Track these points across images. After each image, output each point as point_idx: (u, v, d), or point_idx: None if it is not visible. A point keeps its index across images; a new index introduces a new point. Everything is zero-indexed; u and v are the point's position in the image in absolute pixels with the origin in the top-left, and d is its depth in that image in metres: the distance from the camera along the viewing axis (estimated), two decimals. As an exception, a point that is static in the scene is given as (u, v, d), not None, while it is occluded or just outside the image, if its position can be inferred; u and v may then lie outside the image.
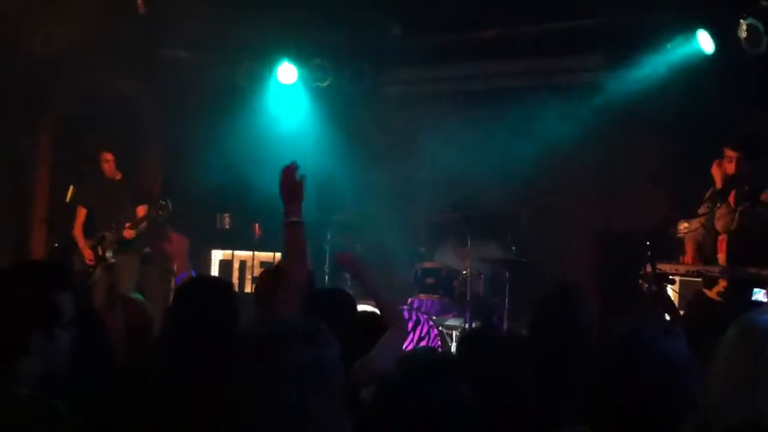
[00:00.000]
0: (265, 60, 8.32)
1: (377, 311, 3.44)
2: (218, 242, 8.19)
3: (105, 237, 7.37)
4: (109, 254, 7.32)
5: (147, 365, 3.05)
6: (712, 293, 5.20)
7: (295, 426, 1.97)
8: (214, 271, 8.05)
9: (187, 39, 7.92)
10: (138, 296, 4.04)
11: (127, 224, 7.34)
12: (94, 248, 7.34)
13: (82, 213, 7.56)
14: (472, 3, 7.41)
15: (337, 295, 3.59)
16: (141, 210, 7.48)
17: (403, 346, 3.51)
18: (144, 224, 7.43)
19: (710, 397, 2.03)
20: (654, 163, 7.43)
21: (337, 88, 8.41)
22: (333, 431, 2.02)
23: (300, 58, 8.32)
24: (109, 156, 7.59)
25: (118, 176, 7.64)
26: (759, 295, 4.92)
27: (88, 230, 7.57)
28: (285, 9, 7.40)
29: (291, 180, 3.21)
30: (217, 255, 8.18)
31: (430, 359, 2.33)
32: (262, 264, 8.04)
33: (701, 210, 5.30)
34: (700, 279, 5.31)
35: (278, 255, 7.85)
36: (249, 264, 8.09)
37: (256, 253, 8.05)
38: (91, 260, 7.35)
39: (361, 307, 6.76)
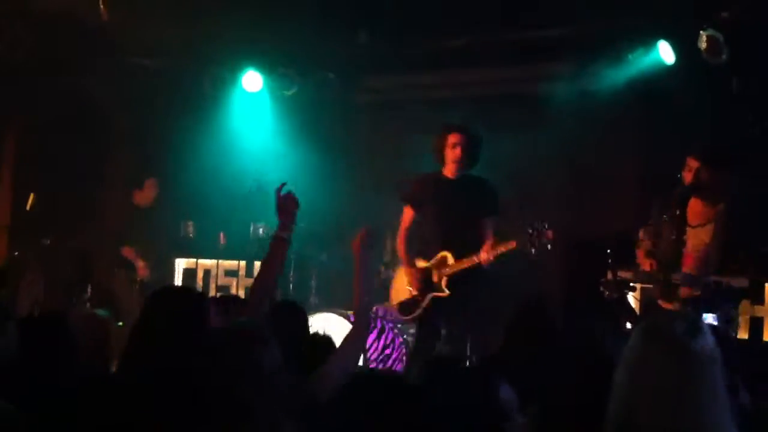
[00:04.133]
0: (230, 68, 8.28)
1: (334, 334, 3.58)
2: (182, 250, 8.12)
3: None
4: None
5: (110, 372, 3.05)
6: (670, 305, 5.20)
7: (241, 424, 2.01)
8: (178, 280, 7.97)
9: (151, 46, 7.86)
10: (102, 312, 4.03)
11: None
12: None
13: None
14: (438, 12, 7.44)
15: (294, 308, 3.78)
16: None
17: (362, 354, 3.56)
18: None
19: (631, 411, 2.09)
20: (619, 170, 7.50)
21: (303, 96, 8.39)
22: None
23: (265, 66, 8.29)
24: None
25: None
26: (708, 319, 4.91)
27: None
28: (250, 17, 7.37)
29: (289, 202, 3.47)
30: (181, 263, 8.10)
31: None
32: (227, 273, 7.98)
33: (651, 221, 5.35)
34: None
35: (242, 263, 7.81)
36: (213, 273, 8.02)
37: (220, 261, 7.99)
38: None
39: (327, 315, 6.87)
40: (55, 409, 2.61)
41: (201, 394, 2.34)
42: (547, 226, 5.06)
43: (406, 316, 5.73)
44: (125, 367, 2.95)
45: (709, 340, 2.13)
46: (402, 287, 5.73)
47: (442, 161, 5.58)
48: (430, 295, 5.51)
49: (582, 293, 6.02)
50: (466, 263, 5.31)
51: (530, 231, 5.13)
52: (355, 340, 3.29)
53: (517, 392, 2.58)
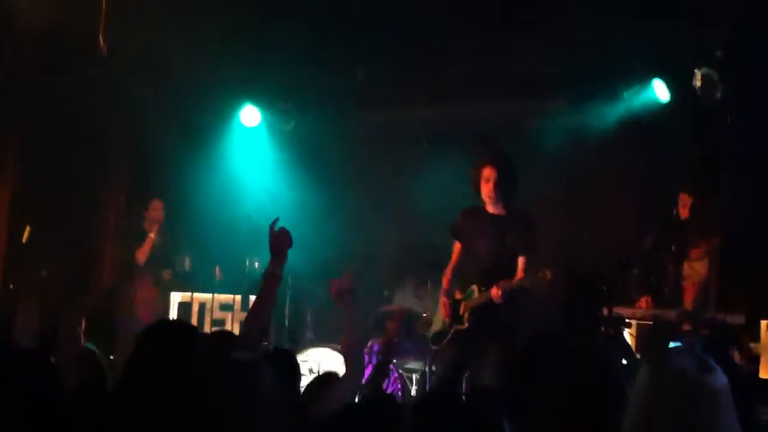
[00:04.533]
0: (229, 102, 8.33)
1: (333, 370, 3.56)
2: (177, 284, 8.08)
3: None
4: None
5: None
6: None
7: None
8: (173, 314, 7.92)
9: (151, 78, 7.91)
10: (90, 346, 4.01)
11: None
12: None
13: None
14: (436, 48, 7.52)
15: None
16: None
17: (357, 390, 3.54)
18: None
19: None
20: (614, 205, 7.53)
21: (302, 131, 8.43)
22: None
23: (264, 101, 8.34)
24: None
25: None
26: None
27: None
28: (248, 51, 7.44)
29: (282, 238, 3.46)
30: (176, 297, 8.07)
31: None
32: (222, 307, 7.95)
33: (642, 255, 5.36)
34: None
35: (237, 297, 7.78)
36: (208, 306, 7.98)
37: (216, 295, 7.95)
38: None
39: (322, 350, 6.85)
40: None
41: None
42: (546, 270, 5.04)
43: (435, 345, 5.74)
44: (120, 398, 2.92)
45: (720, 374, 2.08)
46: (439, 318, 5.75)
47: (479, 193, 5.55)
48: (454, 328, 5.52)
49: (578, 328, 6.01)
50: (483, 297, 5.32)
51: (530, 274, 5.12)
52: (348, 380, 3.31)
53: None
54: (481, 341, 5.31)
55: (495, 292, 5.20)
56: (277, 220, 3.51)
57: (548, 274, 5.00)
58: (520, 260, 5.28)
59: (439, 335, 5.65)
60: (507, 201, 5.50)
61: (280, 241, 3.45)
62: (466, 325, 5.43)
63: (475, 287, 5.43)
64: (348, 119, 8.57)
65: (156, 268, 7.74)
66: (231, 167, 8.39)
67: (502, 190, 5.42)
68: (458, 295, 5.57)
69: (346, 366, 3.43)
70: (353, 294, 3.52)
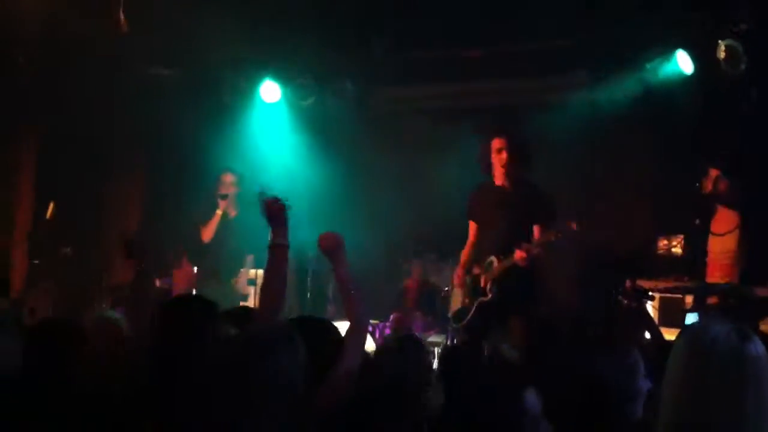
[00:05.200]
0: (249, 78, 8.33)
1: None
2: (197, 258, 8.12)
3: None
4: None
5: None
6: None
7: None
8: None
9: (170, 55, 7.92)
10: (112, 314, 4.00)
11: None
12: None
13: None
14: (455, 22, 7.46)
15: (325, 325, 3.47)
16: None
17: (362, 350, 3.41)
18: None
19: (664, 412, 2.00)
20: (637, 179, 7.47)
21: (321, 106, 8.42)
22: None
23: (283, 76, 8.33)
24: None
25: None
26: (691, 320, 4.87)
27: None
28: (268, 27, 7.42)
29: (272, 206, 3.26)
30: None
31: None
32: (248, 282, 7.97)
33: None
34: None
35: (260, 272, 7.81)
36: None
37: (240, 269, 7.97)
38: None
39: (344, 323, 6.86)
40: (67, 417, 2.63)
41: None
42: (571, 222, 5.03)
43: (457, 324, 5.72)
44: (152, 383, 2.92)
45: (758, 342, 2.02)
46: (458, 296, 5.74)
47: (490, 170, 5.54)
48: (477, 301, 5.50)
49: (599, 302, 5.99)
50: (506, 264, 5.29)
51: (555, 228, 5.09)
52: (354, 335, 3.18)
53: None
54: (506, 310, 5.30)
55: (519, 254, 5.18)
56: (265, 188, 3.31)
57: (574, 224, 4.97)
58: (536, 229, 5.25)
59: (462, 312, 5.63)
60: (519, 173, 5.48)
61: (274, 209, 3.26)
62: (490, 296, 5.42)
63: (493, 257, 5.42)
64: (367, 94, 8.55)
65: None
66: (252, 143, 8.39)
67: (514, 159, 5.41)
68: (477, 270, 5.56)
69: (351, 321, 3.17)
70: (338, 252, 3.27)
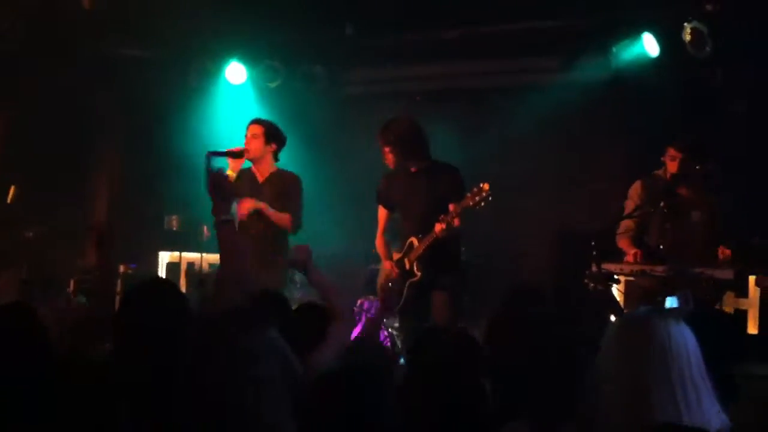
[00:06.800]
0: (214, 59, 8.22)
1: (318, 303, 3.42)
2: (165, 244, 8.06)
3: None
4: None
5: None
6: None
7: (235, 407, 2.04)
8: (162, 273, 7.91)
9: (135, 36, 7.79)
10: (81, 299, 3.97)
11: None
12: None
13: None
14: (426, 3, 7.41)
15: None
16: None
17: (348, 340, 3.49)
18: None
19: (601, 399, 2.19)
20: (607, 163, 7.50)
21: (288, 89, 8.33)
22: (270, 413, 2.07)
23: (249, 57, 8.23)
24: None
25: None
26: (672, 303, 4.90)
27: None
28: (235, 8, 7.31)
29: (215, 177, 3.23)
30: (165, 257, 8.04)
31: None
32: (211, 266, 7.92)
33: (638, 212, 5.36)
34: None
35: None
36: (197, 266, 7.96)
37: (204, 254, 7.92)
38: None
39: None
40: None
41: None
42: (482, 183, 5.09)
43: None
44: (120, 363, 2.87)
45: (685, 329, 2.19)
46: (384, 283, 5.75)
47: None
48: (407, 283, 5.53)
49: (567, 285, 6.01)
50: (426, 241, 5.36)
51: (468, 193, 5.16)
52: (338, 326, 3.21)
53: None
54: (435, 284, 5.40)
55: (438, 226, 5.23)
56: (210, 158, 3.30)
57: (485, 185, 5.02)
58: (451, 206, 5.29)
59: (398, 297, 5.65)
60: (413, 161, 5.54)
61: (221, 181, 3.24)
62: (419, 275, 5.47)
63: (413, 238, 5.50)
64: (337, 76, 8.47)
65: None
66: (217, 126, 8.30)
67: (400, 154, 5.52)
68: (396, 255, 5.63)
69: (336, 318, 3.27)
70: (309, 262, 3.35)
